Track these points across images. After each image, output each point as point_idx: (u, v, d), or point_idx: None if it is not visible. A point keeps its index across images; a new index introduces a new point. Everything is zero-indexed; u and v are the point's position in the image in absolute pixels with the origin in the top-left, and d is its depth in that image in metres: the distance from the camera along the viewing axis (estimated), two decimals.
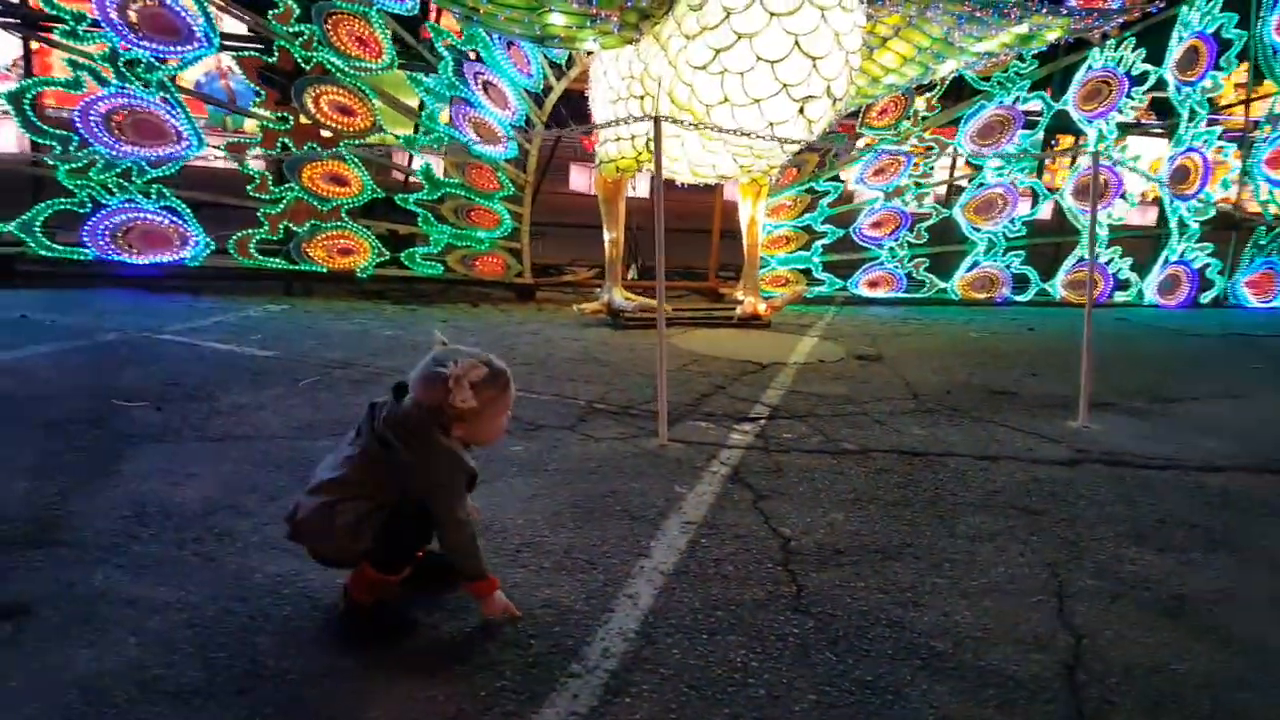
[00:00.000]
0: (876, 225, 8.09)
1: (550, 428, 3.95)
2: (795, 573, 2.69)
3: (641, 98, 5.97)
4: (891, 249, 8.09)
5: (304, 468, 3.26)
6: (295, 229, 6.40)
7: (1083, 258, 8.63)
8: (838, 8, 5.37)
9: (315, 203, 6.40)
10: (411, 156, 7.13)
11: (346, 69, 6.34)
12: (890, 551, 2.88)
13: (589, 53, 6.74)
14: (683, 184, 6.60)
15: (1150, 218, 11.82)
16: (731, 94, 5.50)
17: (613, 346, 5.79)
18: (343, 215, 6.50)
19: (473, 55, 6.73)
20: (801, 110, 5.56)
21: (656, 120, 4.05)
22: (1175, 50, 8.50)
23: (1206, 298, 9.15)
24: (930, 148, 8.08)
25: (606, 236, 6.64)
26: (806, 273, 7.99)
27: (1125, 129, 8.70)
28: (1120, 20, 7.71)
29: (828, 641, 2.30)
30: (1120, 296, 8.86)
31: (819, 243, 7.96)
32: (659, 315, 3.98)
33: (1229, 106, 9.90)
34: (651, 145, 5.64)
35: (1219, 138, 8.85)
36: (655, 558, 2.74)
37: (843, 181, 8.07)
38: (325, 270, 6.54)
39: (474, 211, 6.87)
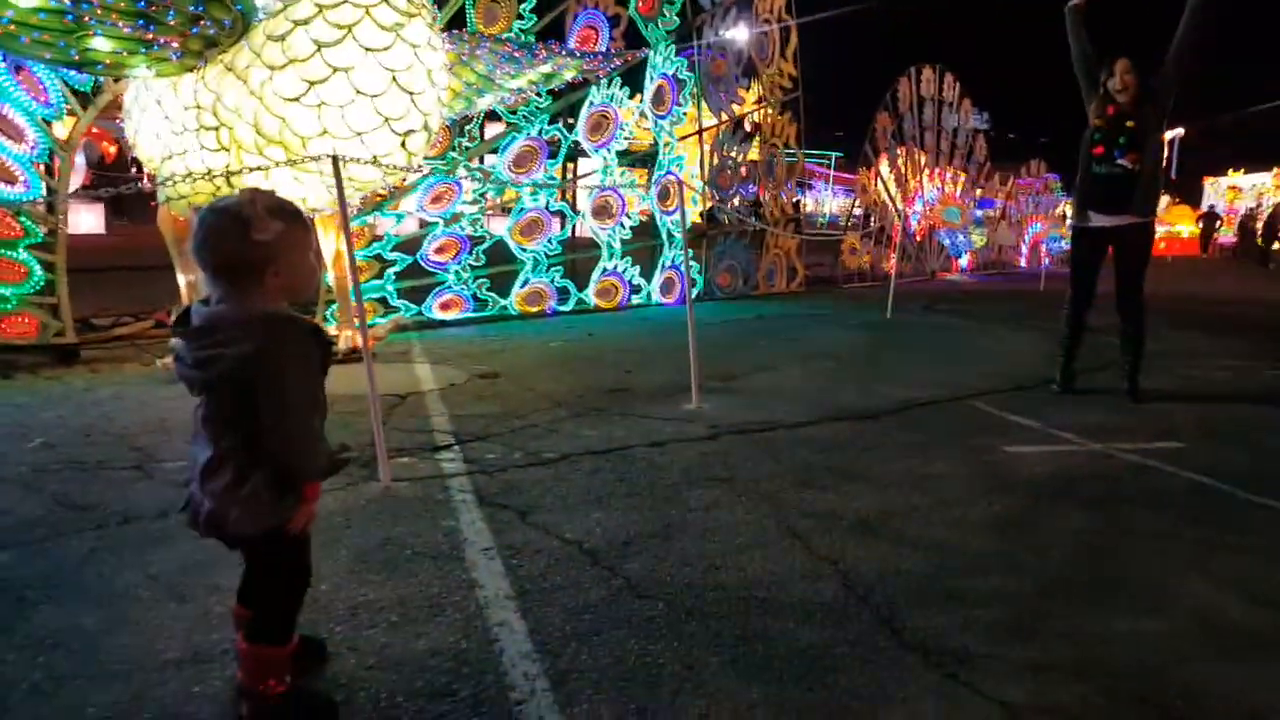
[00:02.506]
0: (440, 250, 8.42)
1: None
2: (611, 568, 3.01)
3: (215, 128, 5.50)
4: (457, 272, 8.49)
5: (2, 587, 2.67)
6: None
7: (606, 269, 9.99)
8: (426, 45, 5.61)
9: None
10: None
11: None
12: (661, 533, 3.34)
13: (117, 80, 5.95)
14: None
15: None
16: (331, 127, 5.40)
17: None
18: None
19: None
20: (404, 144, 5.68)
21: (335, 159, 3.92)
22: (649, 88, 10.25)
23: (694, 293, 11.19)
24: (478, 175, 8.65)
25: (182, 280, 5.95)
26: (383, 300, 8.00)
27: (623, 156, 10.22)
28: (617, 64, 9.10)
29: (685, 613, 2.69)
30: (636, 299, 10.42)
31: (390, 270, 8.03)
32: (365, 352, 3.88)
33: (685, 138, 12.15)
34: (234, 180, 5.33)
35: (685, 163, 10.91)
36: (488, 587, 2.84)
37: (404, 211, 8.24)
38: None
39: None
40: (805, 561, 3.12)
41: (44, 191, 5.86)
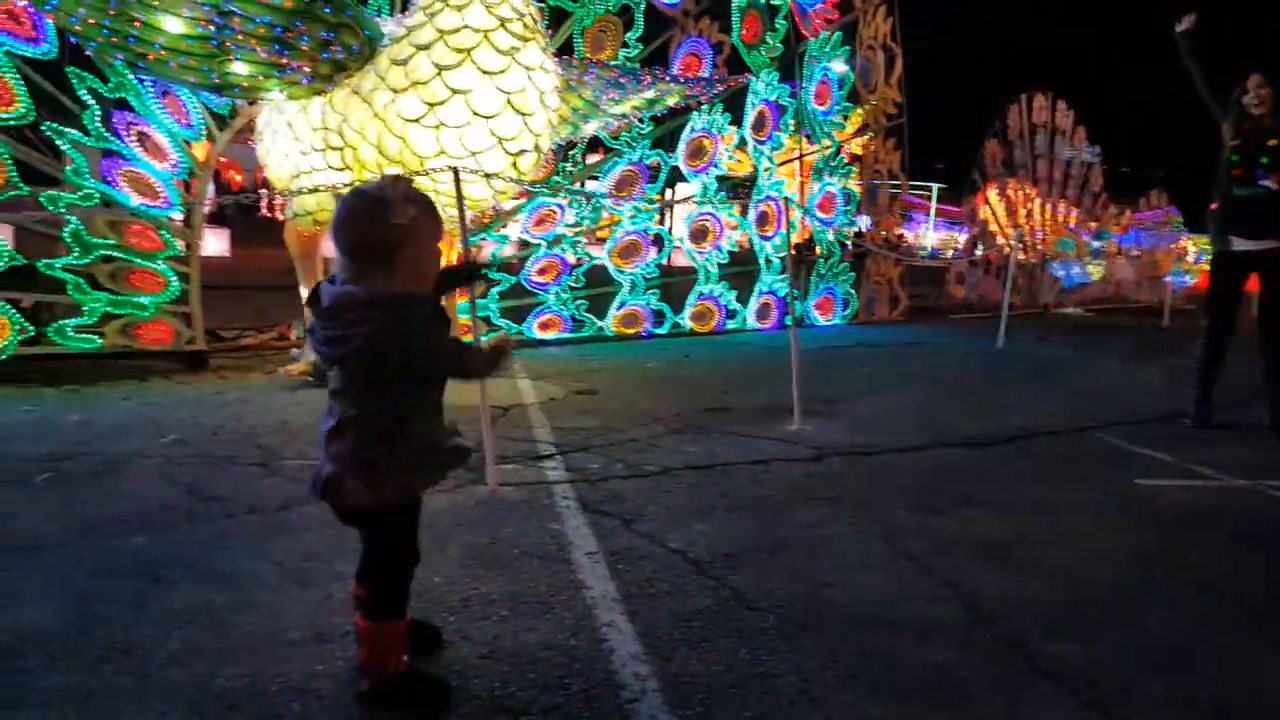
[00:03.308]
0: (542, 272, 8.59)
1: None
2: (717, 578, 2.98)
3: (340, 149, 5.77)
4: (557, 293, 8.64)
5: (142, 567, 2.81)
6: None
7: (702, 293, 10.00)
8: (540, 69, 5.77)
9: None
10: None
11: None
12: (768, 547, 3.30)
13: (253, 102, 6.32)
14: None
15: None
16: (448, 147, 5.59)
17: None
18: None
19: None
20: (515, 164, 5.84)
21: (455, 171, 4.06)
22: (750, 114, 10.28)
23: (789, 320, 11.08)
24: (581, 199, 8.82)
25: (305, 293, 6.22)
26: (486, 319, 8.20)
27: (722, 181, 10.26)
28: (719, 89, 9.16)
29: (798, 627, 2.64)
30: (730, 324, 10.39)
31: (494, 290, 8.23)
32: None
33: (784, 163, 12.14)
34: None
35: (786, 188, 10.87)
36: (595, 588, 2.85)
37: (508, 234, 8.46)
38: None
39: (134, 274, 5.99)
40: (923, 583, 3.02)
41: (182, 208, 6.24)
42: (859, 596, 2.88)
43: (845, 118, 12.14)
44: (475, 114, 5.56)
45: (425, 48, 5.48)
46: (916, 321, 13.14)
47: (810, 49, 11.08)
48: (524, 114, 5.72)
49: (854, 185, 12.22)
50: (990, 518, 3.78)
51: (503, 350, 2.22)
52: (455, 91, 5.48)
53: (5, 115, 5.39)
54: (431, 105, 5.50)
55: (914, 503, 3.94)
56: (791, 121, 10.90)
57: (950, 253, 20.25)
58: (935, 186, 49.27)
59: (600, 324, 9.04)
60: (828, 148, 11.46)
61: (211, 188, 15.40)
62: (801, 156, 11.51)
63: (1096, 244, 19.15)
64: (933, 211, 50.37)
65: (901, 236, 29.66)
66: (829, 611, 2.75)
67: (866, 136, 12.38)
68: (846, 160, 12.00)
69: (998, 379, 7.96)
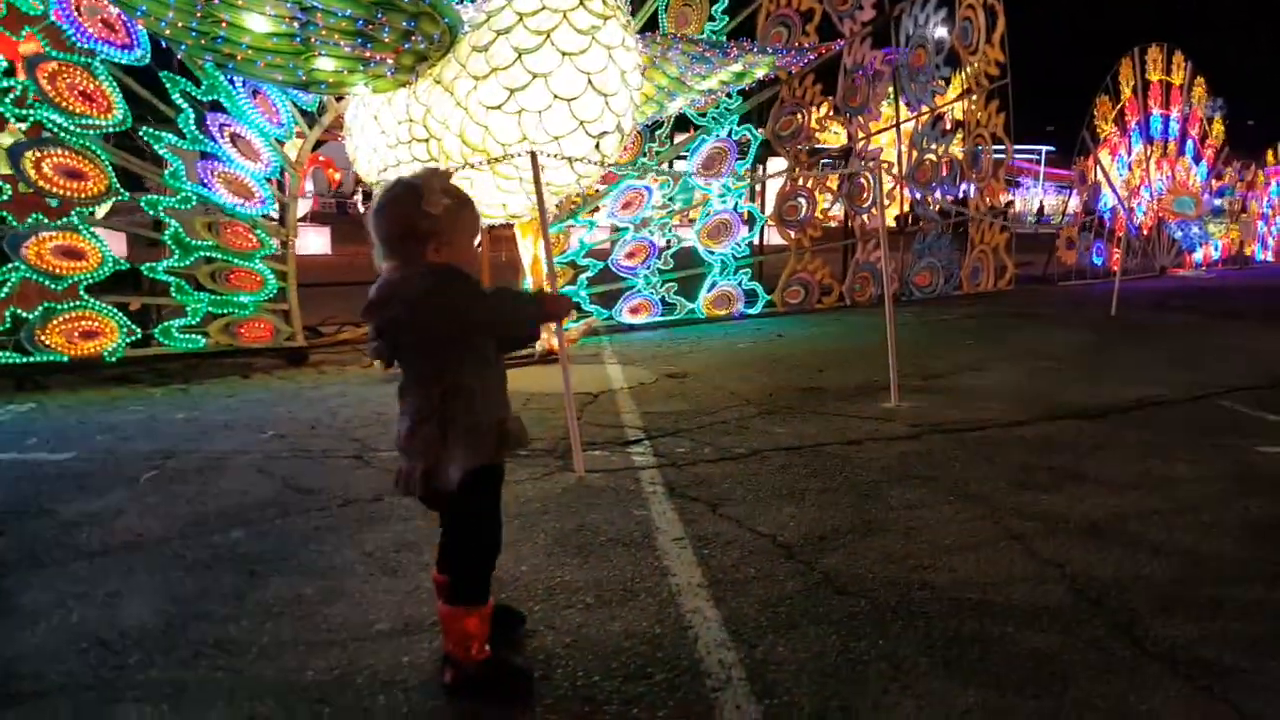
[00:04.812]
0: (630, 255, 8.54)
1: None
2: (807, 562, 2.87)
3: (425, 140, 5.83)
4: (646, 276, 8.58)
5: (238, 562, 2.89)
6: (25, 314, 5.37)
7: (794, 270, 9.78)
8: (621, 46, 5.69)
9: (47, 282, 5.42)
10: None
11: (71, 128, 5.46)
12: (861, 529, 3.16)
13: (340, 98, 6.45)
14: None
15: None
16: (530, 132, 5.58)
17: None
18: (81, 293, 5.57)
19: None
20: (597, 146, 5.79)
21: (533, 155, 4.03)
22: (842, 83, 9.94)
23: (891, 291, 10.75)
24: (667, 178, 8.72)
25: None
26: (576, 305, 8.20)
27: (815, 155, 9.98)
28: (811, 58, 8.89)
29: (890, 612, 2.51)
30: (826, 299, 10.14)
31: (583, 275, 8.23)
32: (561, 353, 3.95)
33: (879, 132, 11.71)
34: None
35: (883, 157, 10.50)
36: (680, 575, 2.78)
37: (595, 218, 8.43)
38: (66, 359, 5.55)
39: (233, 274, 6.21)
40: (1026, 564, 2.85)
41: (276, 207, 6.43)
42: (957, 580, 2.73)
43: (945, 81, 11.66)
44: (556, 97, 5.52)
45: (505, 32, 5.47)
46: (1025, 291, 12.58)
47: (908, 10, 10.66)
48: (605, 94, 5.66)
49: (956, 151, 11.74)
50: (1100, 494, 3.55)
51: (558, 295, 2.19)
52: (535, 75, 5.46)
53: (104, 122, 5.64)
54: (512, 90, 5.49)
55: (1018, 480, 3.73)
56: (888, 87, 10.50)
57: (1061, 218, 19.25)
58: (1044, 149, 47.19)
59: (691, 306, 8.94)
60: (927, 114, 11.02)
61: (311, 184, 15.79)
62: (899, 124, 11.10)
63: (1218, 202, 17.92)
64: (1040, 176, 48.27)
65: (1010, 203, 28.45)
66: (924, 595, 2.61)
67: (969, 99, 11.85)
68: (947, 126, 11.53)
69: (1110, 348, 7.51)
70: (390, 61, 5.58)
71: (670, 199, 9.00)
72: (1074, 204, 16.94)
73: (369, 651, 2.32)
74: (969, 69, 11.73)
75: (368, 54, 5.48)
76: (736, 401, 5.32)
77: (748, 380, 5.99)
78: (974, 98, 11.82)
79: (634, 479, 3.78)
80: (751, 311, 9.42)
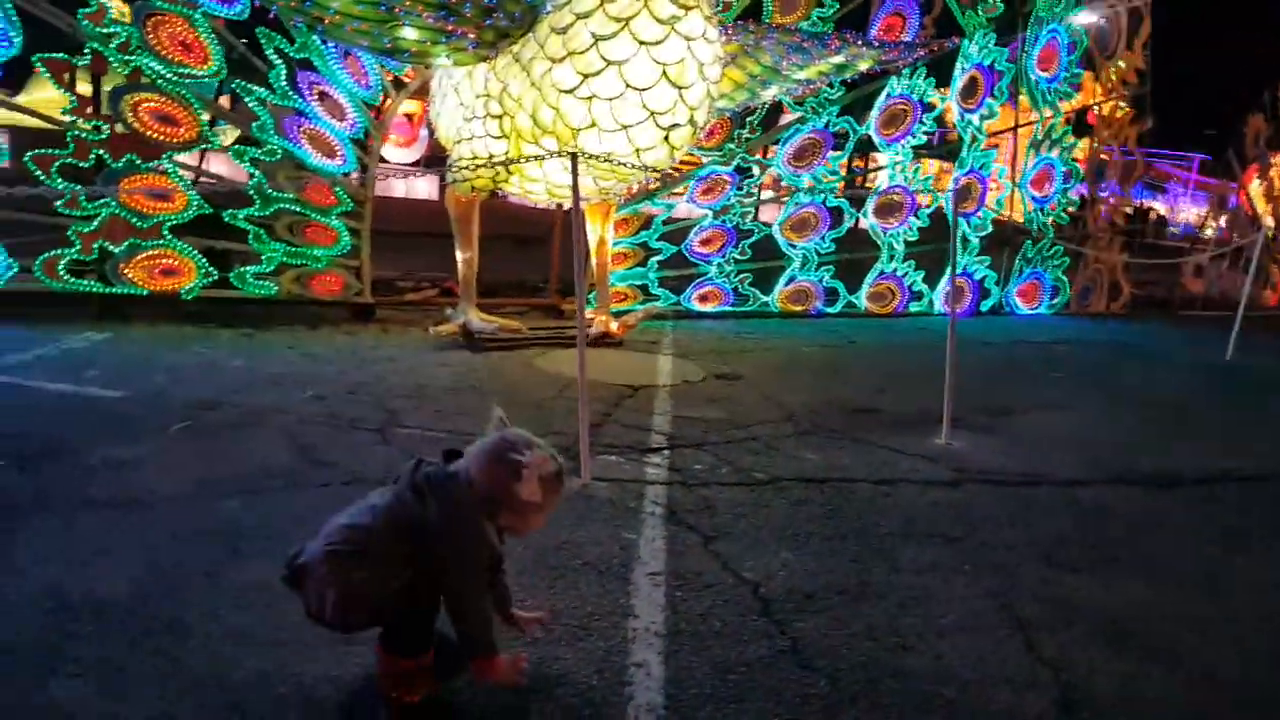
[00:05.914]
0: (706, 242, 8.38)
1: None
2: (780, 623, 2.74)
3: (500, 117, 5.80)
4: (720, 265, 8.40)
5: (225, 535, 2.94)
6: (111, 248, 5.66)
7: (883, 271, 9.41)
8: (701, 39, 5.50)
9: (134, 220, 5.69)
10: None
11: (169, 75, 5.67)
12: (853, 592, 2.99)
13: (427, 66, 6.47)
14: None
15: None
16: (600, 119, 5.47)
17: (483, 373, 5.60)
18: (164, 233, 5.82)
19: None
20: (666, 138, 5.64)
21: (574, 156, 3.94)
22: (959, 80, 9.44)
23: (986, 306, 10.26)
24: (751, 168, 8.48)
25: (460, 256, 6.39)
26: (644, 288, 8.12)
27: (918, 151, 9.54)
28: (920, 54, 8.45)
29: (848, 700, 2.36)
30: (915, 307, 9.73)
31: (654, 259, 8.12)
32: (580, 360, 3.89)
33: (997, 134, 11.13)
34: (512, 167, 5.60)
35: (997, 161, 9.96)
36: (642, 617, 2.70)
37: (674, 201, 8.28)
38: (145, 293, 5.83)
39: (310, 228, 6.37)
40: (1020, 661, 2.62)
41: (358, 166, 6.54)
42: (938, 669, 2.54)
43: (1075, 86, 10.92)
44: (628, 86, 5.39)
45: (585, 16, 5.35)
46: (1138, 317, 11.78)
47: (1038, 8, 10.01)
48: (680, 86, 5.49)
49: (1078, 159, 11.03)
50: (1135, 583, 3.25)
51: (508, 666, 2.16)
52: (609, 62, 5.34)
53: (199, 72, 5.82)
54: (586, 76, 5.39)
55: (1048, 554, 3.46)
56: (1008, 87, 9.91)
57: (1209, 231, 17.87)
58: (1197, 158, 44.00)
59: (765, 299, 8.72)
60: (1048, 118, 10.37)
61: (425, 133, 16.09)
62: (1017, 127, 10.49)
63: None
64: (1190, 184, 45.08)
65: (1151, 210, 26.66)
66: (893, 687, 2.44)
67: (1108, 104, 11.07)
68: (1071, 133, 10.83)
69: (1214, 400, 6.95)
70: (472, 36, 5.56)
71: (755, 184, 8.73)
72: (1210, 226, 15.71)
73: (307, 657, 2.32)
74: (1104, 73, 10.95)
75: (450, 26, 5.47)
76: (777, 415, 5.15)
77: (798, 391, 5.79)
78: (1109, 103, 11.04)
79: (637, 494, 3.70)
80: (830, 310, 9.13)
